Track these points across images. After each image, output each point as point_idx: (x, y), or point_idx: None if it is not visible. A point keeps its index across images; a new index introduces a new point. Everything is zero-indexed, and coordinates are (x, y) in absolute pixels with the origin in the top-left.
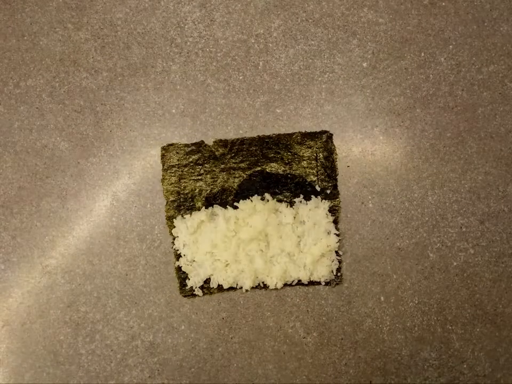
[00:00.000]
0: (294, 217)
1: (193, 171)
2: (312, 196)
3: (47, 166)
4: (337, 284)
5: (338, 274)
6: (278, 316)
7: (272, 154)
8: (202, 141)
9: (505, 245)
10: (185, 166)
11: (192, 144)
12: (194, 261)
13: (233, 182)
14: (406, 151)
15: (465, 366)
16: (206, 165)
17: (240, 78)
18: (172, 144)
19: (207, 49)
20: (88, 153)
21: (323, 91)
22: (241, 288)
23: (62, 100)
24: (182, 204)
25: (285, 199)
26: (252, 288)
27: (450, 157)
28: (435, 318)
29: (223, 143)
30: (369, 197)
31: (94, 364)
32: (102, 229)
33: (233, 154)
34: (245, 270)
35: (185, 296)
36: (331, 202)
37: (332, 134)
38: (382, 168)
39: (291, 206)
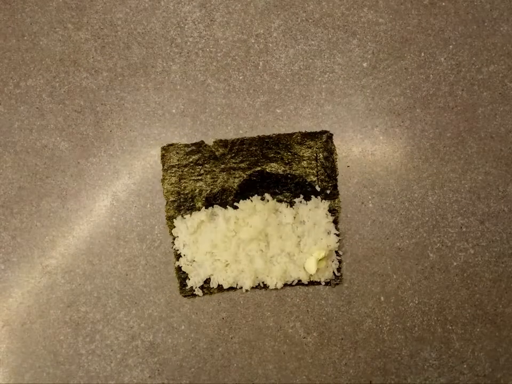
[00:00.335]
0: (294, 217)
1: (193, 171)
2: (312, 196)
3: (47, 166)
4: (337, 284)
5: (338, 274)
6: (278, 316)
7: (272, 154)
8: (203, 141)
9: (505, 245)
10: (185, 166)
11: (192, 144)
12: (194, 261)
13: (233, 182)
14: (406, 151)
15: (465, 366)
16: (206, 165)
17: (240, 78)
18: (172, 144)
19: (207, 49)
20: (88, 153)
21: (323, 91)
22: (241, 288)
23: (62, 100)
24: (182, 204)
25: (285, 199)
26: (252, 288)
27: (450, 157)
28: (435, 318)
29: (223, 143)
30: (369, 197)
31: (94, 364)
32: (102, 229)
33: (233, 155)
34: (245, 270)
35: (185, 296)
36: (331, 202)
37: (332, 134)
38: (382, 168)
39: (291, 206)
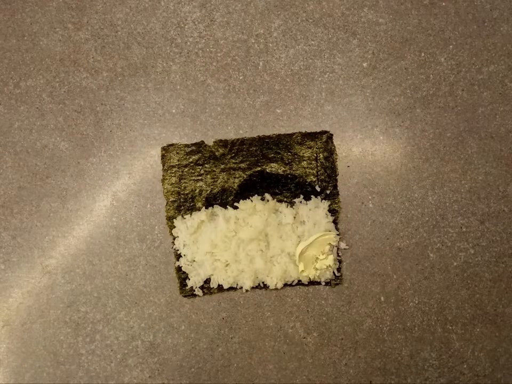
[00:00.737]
0: (294, 217)
1: (193, 171)
2: (312, 196)
3: (47, 166)
4: (337, 284)
5: (338, 274)
6: (278, 316)
7: (272, 155)
8: (203, 141)
9: (505, 245)
10: (185, 166)
11: (193, 145)
12: (194, 261)
13: (234, 182)
14: (406, 151)
15: (465, 366)
16: (206, 165)
17: (240, 78)
18: (172, 145)
19: (207, 49)
20: (88, 153)
21: (323, 91)
22: (241, 288)
23: (62, 100)
24: (182, 204)
25: (285, 199)
26: (252, 288)
27: (450, 157)
28: (435, 318)
29: (223, 143)
30: (369, 197)
31: (94, 364)
32: (102, 229)
33: (233, 155)
34: (245, 270)
35: (185, 296)
36: (331, 202)
37: (332, 135)
38: (382, 168)
39: (291, 206)
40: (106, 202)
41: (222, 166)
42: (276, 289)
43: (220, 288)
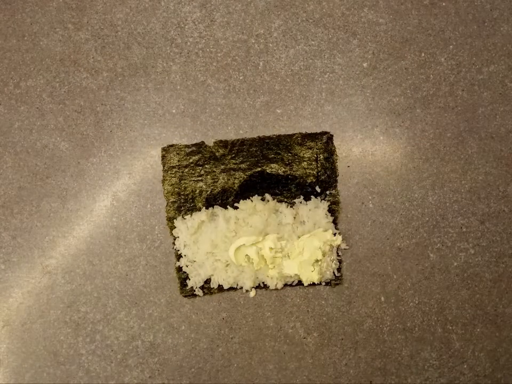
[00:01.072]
0: (294, 218)
1: (193, 172)
2: (312, 196)
3: (47, 166)
4: (337, 284)
5: (338, 274)
6: (278, 316)
7: (273, 155)
8: (203, 142)
9: (505, 245)
10: (185, 167)
11: (193, 145)
12: (194, 261)
13: (234, 182)
14: (406, 151)
15: (465, 366)
16: (206, 166)
17: (241, 78)
18: (172, 145)
19: (207, 50)
20: (88, 154)
21: (323, 91)
22: (241, 288)
23: (62, 100)
24: (183, 205)
25: (285, 200)
26: (252, 288)
27: (450, 157)
28: (435, 318)
29: (223, 143)
30: (370, 197)
31: (94, 364)
32: (102, 229)
33: (233, 155)
34: (245, 270)
35: (185, 296)
36: (331, 202)
37: (332, 135)
38: (382, 168)
39: (291, 206)
40: (107, 202)
41: (222, 167)
42: (276, 289)
43: (220, 288)
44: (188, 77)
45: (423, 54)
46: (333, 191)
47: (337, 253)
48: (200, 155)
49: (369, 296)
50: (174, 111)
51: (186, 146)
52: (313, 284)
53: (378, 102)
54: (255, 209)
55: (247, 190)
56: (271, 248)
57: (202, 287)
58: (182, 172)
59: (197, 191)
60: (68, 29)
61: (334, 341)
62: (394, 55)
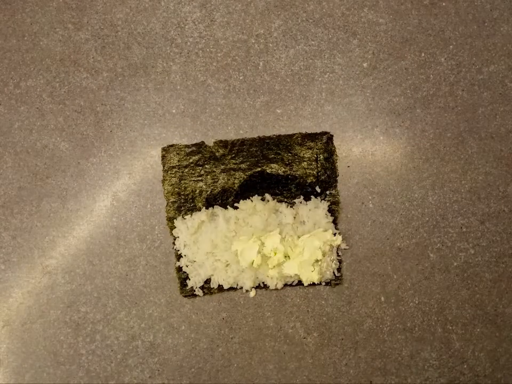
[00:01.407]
0: (294, 218)
1: (193, 172)
2: (312, 196)
3: (48, 166)
4: (337, 284)
5: (338, 274)
6: (278, 316)
7: (273, 155)
8: (203, 142)
9: (505, 245)
10: (185, 167)
11: (193, 145)
12: (194, 261)
13: (234, 183)
14: (406, 151)
15: (465, 366)
16: (206, 166)
17: (241, 78)
18: (172, 145)
19: (208, 50)
20: (88, 154)
21: (323, 91)
22: (241, 288)
23: (62, 100)
24: (183, 205)
25: (285, 200)
26: (252, 288)
27: (450, 157)
28: (435, 318)
29: (223, 143)
30: (370, 197)
31: (94, 364)
32: (102, 229)
33: (233, 155)
34: (245, 270)
35: (185, 296)
36: (331, 202)
37: (332, 135)
38: (382, 169)
39: (291, 207)
40: (107, 202)
41: (222, 167)
42: (276, 289)
43: (220, 288)
44: (188, 77)
45: (423, 54)
46: (333, 191)
47: (337, 253)
48: (200, 155)
49: (369, 296)
50: (174, 111)
51: (186, 146)
52: (313, 284)
53: (378, 102)
54: (255, 209)
55: (247, 190)
56: (273, 251)
57: (202, 287)
58: (182, 172)
59: (197, 191)
60: (68, 29)
61: (334, 341)
62: (394, 55)
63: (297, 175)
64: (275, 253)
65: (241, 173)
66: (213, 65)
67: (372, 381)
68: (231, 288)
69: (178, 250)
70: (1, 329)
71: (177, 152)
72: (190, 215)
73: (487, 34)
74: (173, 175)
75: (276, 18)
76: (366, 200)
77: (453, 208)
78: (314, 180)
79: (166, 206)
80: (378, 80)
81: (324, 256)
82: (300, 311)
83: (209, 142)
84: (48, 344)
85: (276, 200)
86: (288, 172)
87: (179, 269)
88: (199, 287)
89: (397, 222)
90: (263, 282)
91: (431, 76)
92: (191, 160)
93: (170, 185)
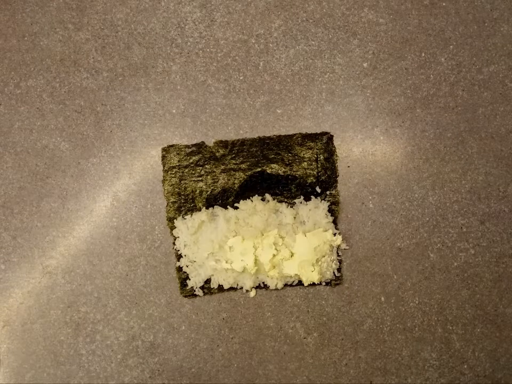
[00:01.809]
0: (294, 218)
1: (193, 172)
2: (312, 196)
3: (48, 166)
4: (337, 284)
5: (339, 274)
6: (278, 316)
7: (273, 155)
8: (203, 142)
9: (505, 245)
10: (185, 167)
11: (193, 145)
12: (195, 261)
13: (234, 183)
14: (407, 151)
15: (465, 366)
16: (206, 166)
17: (241, 78)
18: (172, 145)
19: (208, 50)
20: (88, 154)
21: (323, 91)
22: (241, 288)
23: (62, 100)
24: (183, 205)
25: (285, 200)
26: (252, 288)
27: (450, 157)
28: (435, 318)
29: (223, 144)
30: (370, 197)
31: (94, 364)
32: (103, 229)
33: (233, 155)
34: (245, 270)
35: (185, 297)
36: (331, 202)
37: (332, 136)
38: (382, 169)
39: (291, 207)
40: (107, 202)
41: (223, 167)
42: (276, 289)
43: (220, 288)
44: (188, 77)
45: (423, 54)
46: (333, 191)
47: (337, 253)
48: (200, 155)
49: (370, 296)
50: (174, 111)
51: (187, 146)
52: (313, 284)
53: (379, 102)
54: (255, 209)
55: (247, 190)
56: (274, 246)
57: (202, 287)
58: (182, 172)
59: (197, 191)
60: (68, 29)
61: (334, 341)
62: (394, 55)
63: (297, 175)
64: (274, 255)
65: (242, 173)
66: (213, 65)
67: (372, 381)
68: (231, 288)
69: (179, 250)
70: (1, 329)
71: (178, 152)
72: (190, 215)
73: (487, 34)
74: (173, 175)
75: (276, 19)
76: (366, 200)
77: (453, 208)
78: (314, 180)
79: (166, 206)
80: (378, 80)
81: (324, 256)
82: (300, 311)
83: (210, 142)
84: (48, 344)
85: (276, 200)
86: (288, 172)
87: (179, 269)
88: (199, 287)
89: (397, 222)
90: (263, 282)
91: (431, 76)
92: (191, 160)
93: (171, 185)
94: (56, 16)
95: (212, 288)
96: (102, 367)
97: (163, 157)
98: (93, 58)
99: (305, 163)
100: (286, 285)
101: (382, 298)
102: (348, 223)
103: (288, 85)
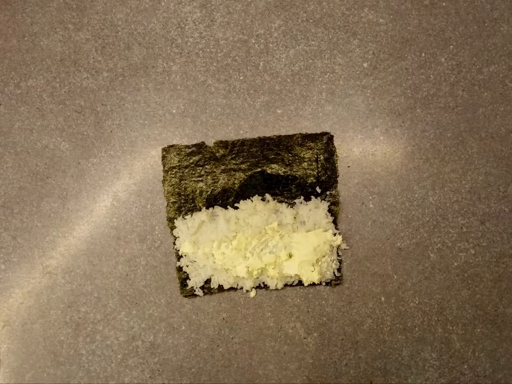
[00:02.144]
0: (294, 218)
1: (193, 172)
2: (312, 196)
3: (48, 166)
4: (337, 284)
5: (339, 274)
6: (278, 316)
7: (273, 156)
8: (203, 142)
9: (505, 245)
10: (186, 167)
11: (193, 145)
12: (195, 261)
13: (234, 183)
14: (407, 151)
15: (466, 366)
16: (206, 166)
17: (241, 78)
18: (172, 146)
19: (208, 50)
20: (88, 154)
21: (324, 91)
22: (241, 288)
23: (62, 100)
24: (183, 205)
25: (285, 200)
26: (253, 288)
27: (451, 157)
28: (436, 319)
29: (223, 144)
30: (370, 197)
31: (94, 364)
32: (103, 229)
33: (233, 156)
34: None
35: (185, 297)
36: (331, 203)
37: (332, 136)
38: (382, 169)
39: (291, 207)
40: (107, 202)
41: (223, 167)
42: (276, 289)
43: (220, 288)
44: (188, 77)
45: (423, 54)
46: (333, 192)
47: (337, 253)
48: (201, 155)
49: (370, 296)
50: (174, 111)
51: (187, 146)
52: (313, 284)
53: (379, 102)
54: (255, 210)
55: (247, 190)
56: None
57: (202, 287)
58: (182, 172)
59: (197, 191)
60: (68, 29)
61: (334, 341)
62: (394, 55)
63: (297, 176)
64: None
65: (242, 173)
66: (213, 65)
67: (372, 381)
68: (231, 288)
69: (179, 250)
70: (2, 329)
71: (178, 152)
72: (190, 215)
73: (487, 34)
74: (173, 176)
75: (276, 19)
76: (366, 200)
77: (453, 208)
78: (314, 180)
79: (166, 206)
80: (378, 80)
81: (324, 256)
82: (300, 311)
83: (210, 142)
84: (48, 344)
85: (276, 200)
86: (289, 172)
87: (179, 269)
88: (199, 287)
89: (397, 222)
90: (263, 283)
91: (431, 75)
92: (191, 161)
93: (171, 186)
94: (56, 16)
95: (212, 288)
96: (102, 367)
97: (163, 157)
98: (93, 58)
99: (305, 163)
100: (286, 285)
101: (382, 298)
102: (348, 223)
103: (288, 85)
